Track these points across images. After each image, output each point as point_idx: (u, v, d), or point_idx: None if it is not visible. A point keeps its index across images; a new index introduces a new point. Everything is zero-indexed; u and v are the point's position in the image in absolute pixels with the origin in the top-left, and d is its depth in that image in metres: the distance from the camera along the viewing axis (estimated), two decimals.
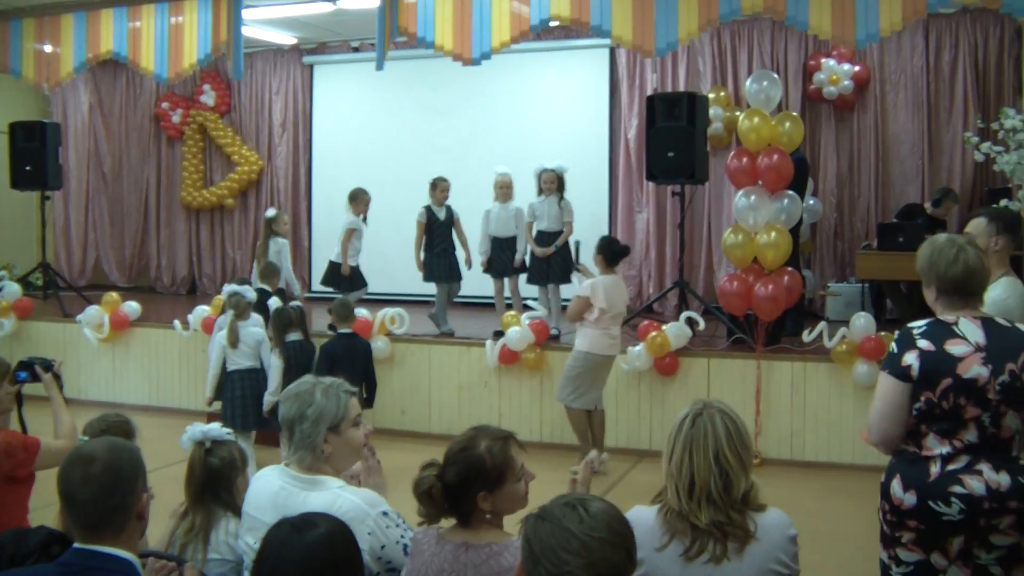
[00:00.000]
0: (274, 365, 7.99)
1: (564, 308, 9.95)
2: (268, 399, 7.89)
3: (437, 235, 10.10)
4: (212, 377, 8.24)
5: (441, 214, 10.09)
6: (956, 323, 3.62)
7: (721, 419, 2.92)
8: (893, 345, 3.69)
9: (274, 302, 8.87)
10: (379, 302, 10.74)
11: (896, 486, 3.61)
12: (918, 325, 3.67)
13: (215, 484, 3.64)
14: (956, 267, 3.65)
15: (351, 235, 10.27)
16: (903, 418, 3.61)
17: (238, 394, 7.97)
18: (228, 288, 8.34)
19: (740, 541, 2.82)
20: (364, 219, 10.48)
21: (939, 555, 3.55)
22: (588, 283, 8.17)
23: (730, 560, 2.81)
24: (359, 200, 10.46)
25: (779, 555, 2.85)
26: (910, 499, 3.55)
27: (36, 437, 4.15)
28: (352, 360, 7.98)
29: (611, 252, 8.22)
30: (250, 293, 8.26)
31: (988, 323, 3.63)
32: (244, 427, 7.76)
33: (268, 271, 9.55)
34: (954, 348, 3.55)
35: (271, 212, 10.65)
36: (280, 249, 10.27)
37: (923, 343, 3.58)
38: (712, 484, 2.85)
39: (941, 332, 3.60)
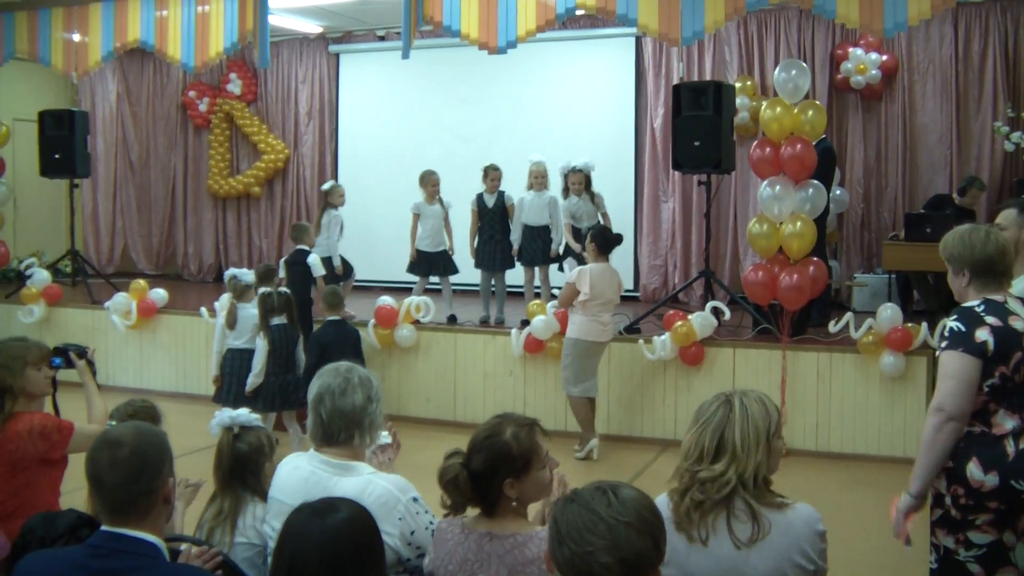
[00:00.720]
0: (259, 347, 8.11)
1: None
2: (252, 380, 8.08)
3: (485, 223, 10.17)
4: (216, 354, 8.55)
5: (490, 201, 10.14)
6: (1006, 302, 3.73)
7: (754, 401, 2.91)
8: (955, 324, 3.69)
9: (313, 259, 9.38)
10: (404, 291, 10.75)
11: (974, 469, 3.60)
12: (975, 304, 3.72)
13: (243, 469, 3.68)
14: (989, 247, 3.74)
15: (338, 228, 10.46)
16: (975, 394, 3.61)
17: (234, 372, 8.26)
18: (228, 272, 8.75)
19: (756, 530, 2.78)
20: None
21: (1011, 533, 3.61)
22: (576, 270, 8.34)
23: (747, 551, 2.78)
24: (334, 193, 10.60)
25: (804, 547, 2.80)
26: (992, 480, 3.57)
27: (70, 420, 4.20)
28: (342, 346, 8.08)
29: (603, 240, 8.29)
30: (247, 276, 8.56)
31: None
32: (235, 404, 7.50)
33: (297, 231, 9.76)
34: (1017, 323, 3.66)
35: (327, 184, 10.89)
36: (331, 220, 10.41)
37: (991, 319, 3.64)
38: (722, 462, 2.83)
39: (1000, 309, 3.69)
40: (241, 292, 8.43)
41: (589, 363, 8.32)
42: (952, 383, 3.61)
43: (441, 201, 10.29)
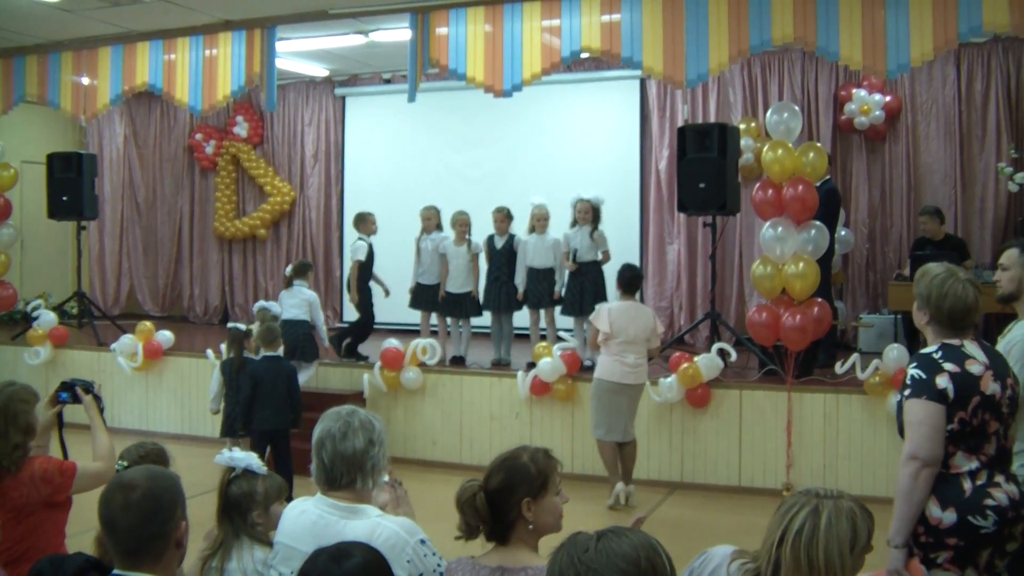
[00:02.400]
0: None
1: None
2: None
3: (493, 264, 10.20)
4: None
5: (499, 243, 10.17)
6: (963, 345, 3.79)
7: (829, 517, 2.67)
8: (915, 372, 3.75)
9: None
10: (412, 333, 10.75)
11: (932, 506, 3.66)
12: (932, 350, 3.80)
13: (232, 510, 3.71)
14: (959, 303, 3.79)
15: None
16: (943, 439, 3.66)
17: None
18: (258, 304, 9.28)
19: None
20: None
21: (972, 570, 3.64)
22: (597, 309, 8.32)
23: None
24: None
25: None
26: (949, 517, 3.63)
27: (73, 461, 4.18)
28: (275, 381, 8.07)
29: (626, 279, 8.24)
30: (276, 308, 9.24)
31: (983, 344, 3.86)
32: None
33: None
34: (973, 368, 3.72)
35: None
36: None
37: (948, 366, 3.70)
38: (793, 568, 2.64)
39: (957, 354, 3.75)
40: (264, 322, 8.69)
41: (612, 405, 8.10)
42: (922, 429, 3.68)
43: (470, 243, 10.29)
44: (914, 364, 3.79)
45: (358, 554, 2.55)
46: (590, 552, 2.17)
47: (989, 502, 3.61)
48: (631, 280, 8.27)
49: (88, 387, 4.53)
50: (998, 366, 3.79)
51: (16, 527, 3.99)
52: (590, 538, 2.23)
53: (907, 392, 3.75)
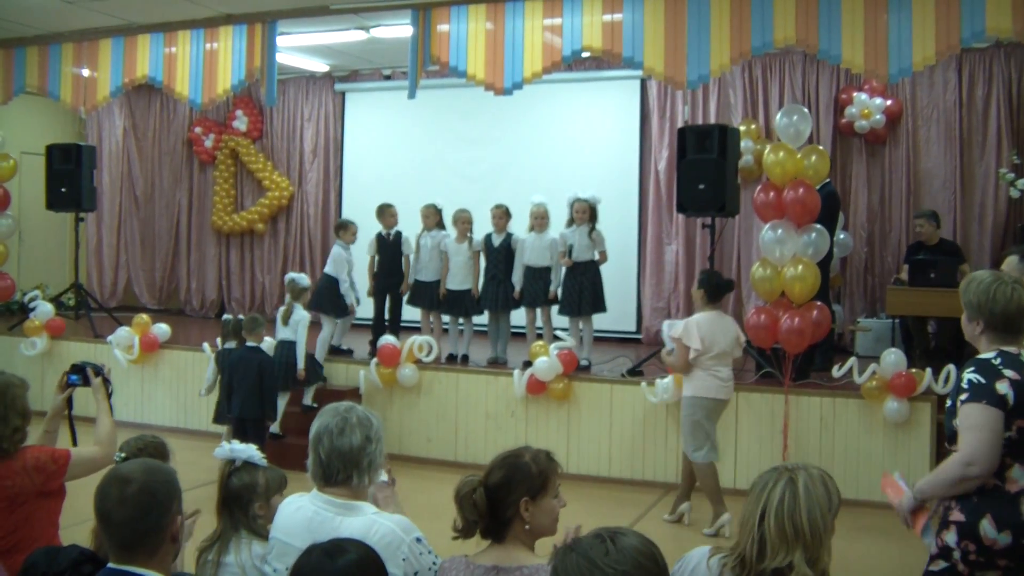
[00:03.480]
0: (210, 366, 9.41)
1: (593, 339, 9.99)
2: (201, 392, 9.60)
3: (490, 263, 10.18)
4: (208, 381, 9.45)
5: (497, 241, 10.16)
6: (1020, 354, 3.67)
7: (806, 484, 2.74)
8: (973, 376, 3.62)
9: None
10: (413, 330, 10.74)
11: (988, 526, 3.55)
12: (991, 356, 3.68)
13: (232, 503, 3.68)
14: (1012, 305, 3.70)
15: None
16: (1001, 447, 3.55)
17: (281, 362, 9.25)
18: (288, 276, 9.87)
19: None
20: None
21: None
22: (680, 324, 7.61)
23: None
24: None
25: None
26: (1005, 539, 3.54)
27: (66, 448, 4.18)
28: (246, 370, 8.42)
29: (711, 287, 7.61)
30: (304, 281, 9.66)
31: None
32: (283, 389, 9.33)
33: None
34: None
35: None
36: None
37: (1009, 372, 3.59)
38: (784, 552, 2.67)
39: (1016, 362, 3.64)
40: (298, 294, 9.46)
41: (710, 424, 7.52)
42: (980, 434, 3.54)
43: (471, 240, 10.28)
44: (972, 368, 3.67)
45: (352, 550, 2.55)
46: (612, 555, 2.20)
47: None
48: (718, 287, 7.67)
49: (98, 370, 4.55)
50: None
51: (8, 516, 3.97)
52: (600, 540, 2.25)
53: (964, 396, 3.61)
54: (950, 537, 3.66)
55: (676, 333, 7.48)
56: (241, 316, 9.25)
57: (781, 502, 2.70)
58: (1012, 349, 3.68)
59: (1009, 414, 3.54)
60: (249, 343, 8.62)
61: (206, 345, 10.47)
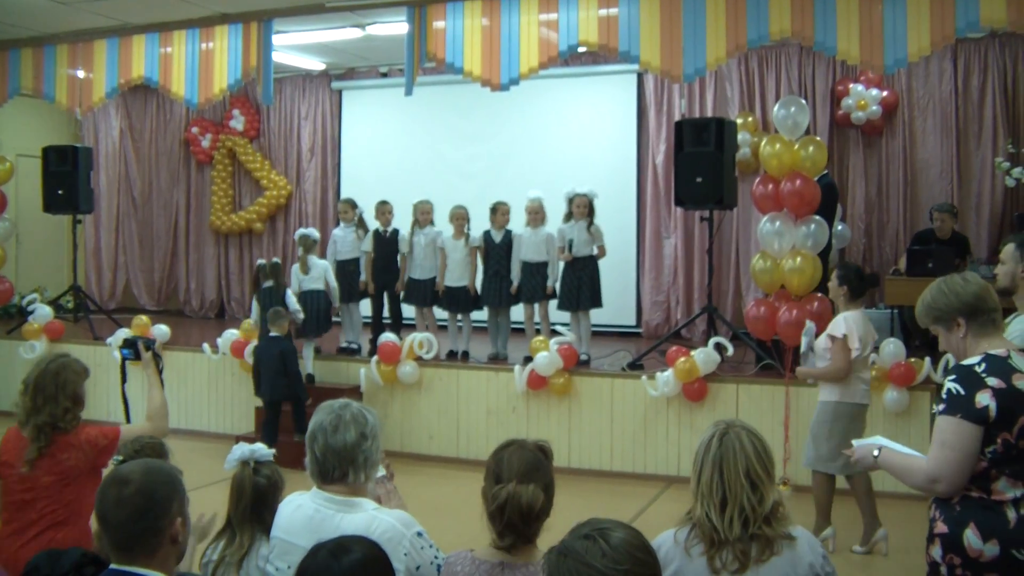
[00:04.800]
0: (253, 307, 10.16)
1: (593, 334, 9.98)
2: (253, 323, 10.26)
3: (491, 259, 10.16)
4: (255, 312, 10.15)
5: (497, 238, 10.14)
6: (1009, 357, 3.45)
7: (748, 437, 2.97)
8: (953, 386, 3.42)
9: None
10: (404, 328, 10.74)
11: (972, 537, 3.35)
12: (975, 362, 3.45)
13: (261, 504, 3.63)
14: (969, 287, 3.55)
15: None
16: (975, 463, 3.35)
17: (311, 308, 10.06)
18: (299, 231, 10.70)
19: (769, 551, 2.86)
20: None
21: None
22: (839, 322, 6.81)
23: (757, 568, 2.85)
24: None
25: (810, 563, 2.90)
26: (991, 549, 3.32)
27: (116, 426, 4.37)
28: (270, 358, 9.38)
29: (856, 283, 6.89)
30: (315, 233, 10.64)
31: None
32: (318, 333, 10.36)
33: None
34: (1021, 383, 3.38)
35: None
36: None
37: (993, 381, 3.36)
38: (745, 499, 2.89)
39: (1002, 367, 3.40)
40: (310, 246, 10.36)
41: (854, 432, 6.43)
42: (950, 454, 3.36)
43: (468, 236, 10.27)
44: (952, 377, 3.45)
45: (358, 549, 2.54)
46: (608, 555, 2.21)
47: None
48: (861, 282, 6.95)
49: (149, 344, 4.65)
50: None
51: (62, 491, 4.15)
52: (591, 540, 2.25)
53: (940, 407, 3.42)
54: (936, 551, 3.48)
55: (838, 332, 6.71)
56: (276, 259, 10.40)
57: (735, 457, 2.94)
58: (1000, 351, 3.46)
59: (992, 426, 3.32)
60: (272, 333, 9.40)
61: (206, 346, 10.48)
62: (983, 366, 3.41)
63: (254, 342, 10.03)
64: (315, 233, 10.58)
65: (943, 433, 3.39)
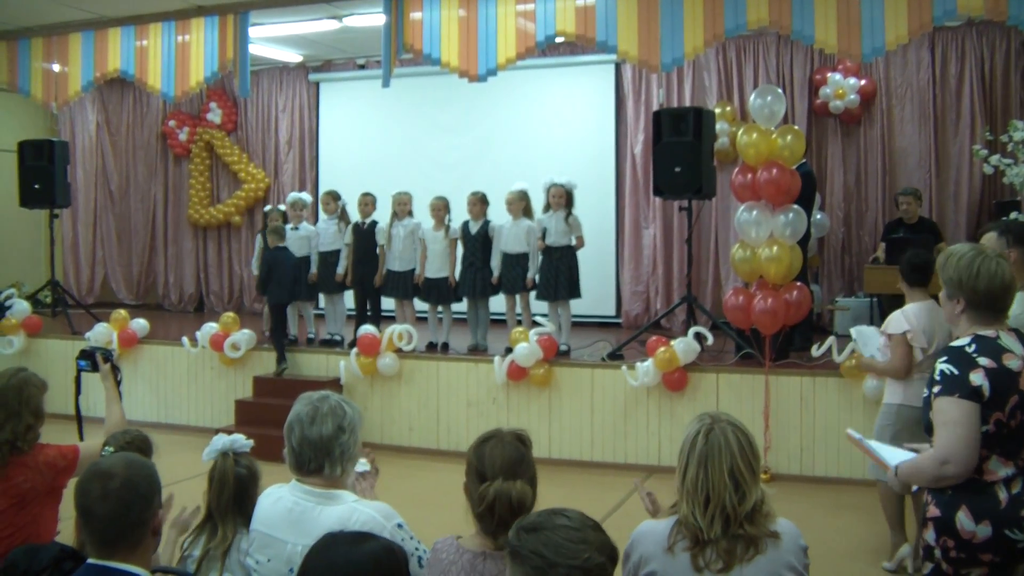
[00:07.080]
0: (256, 245, 11.43)
1: (573, 324, 9.98)
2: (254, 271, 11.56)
3: (468, 250, 10.15)
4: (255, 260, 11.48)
5: (474, 228, 10.11)
6: (998, 337, 3.44)
7: (733, 433, 2.95)
8: (945, 367, 3.40)
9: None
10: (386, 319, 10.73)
11: (964, 519, 3.34)
12: (965, 343, 3.44)
13: (242, 495, 3.62)
14: (996, 281, 3.45)
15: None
16: (979, 443, 3.31)
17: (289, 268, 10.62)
18: (290, 196, 11.42)
19: (754, 549, 2.87)
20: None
21: None
22: (897, 318, 6.31)
23: (741, 567, 2.85)
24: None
25: (791, 561, 2.90)
26: (984, 531, 3.31)
27: (73, 444, 4.20)
28: (282, 266, 10.28)
29: (908, 271, 6.38)
30: (307, 197, 11.43)
31: (1020, 335, 3.49)
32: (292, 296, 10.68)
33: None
34: (1011, 363, 3.37)
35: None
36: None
37: (984, 360, 3.36)
38: (727, 499, 2.88)
39: (992, 347, 3.40)
40: (301, 208, 11.03)
41: (919, 438, 5.27)
42: (955, 430, 3.32)
43: (448, 228, 10.24)
44: (944, 358, 3.43)
45: (376, 539, 2.55)
46: (574, 518, 2.39)
47: None
48: (913, 268, 6.36)
49: (108, 355, 4.53)
50: None
51: (18, 514, 3.97)
52: (553, 514, 2.41)
53: (936, 389, 3.39)
54: (930, 535, 3.46)
55: (896, 329, 6.22)
56: (281, 206, 11.49)
57: (720, 453, 2.92)
58: (989, 332, 3.45)
59: (985, 406, 3.31)
60: (278, 244, 10.34)
61: (185, 339, 10.44)
62: (973, 347, 3.41)
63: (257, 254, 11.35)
64: (307, 197, 11.43)
65: (945, 414, 3.36)
